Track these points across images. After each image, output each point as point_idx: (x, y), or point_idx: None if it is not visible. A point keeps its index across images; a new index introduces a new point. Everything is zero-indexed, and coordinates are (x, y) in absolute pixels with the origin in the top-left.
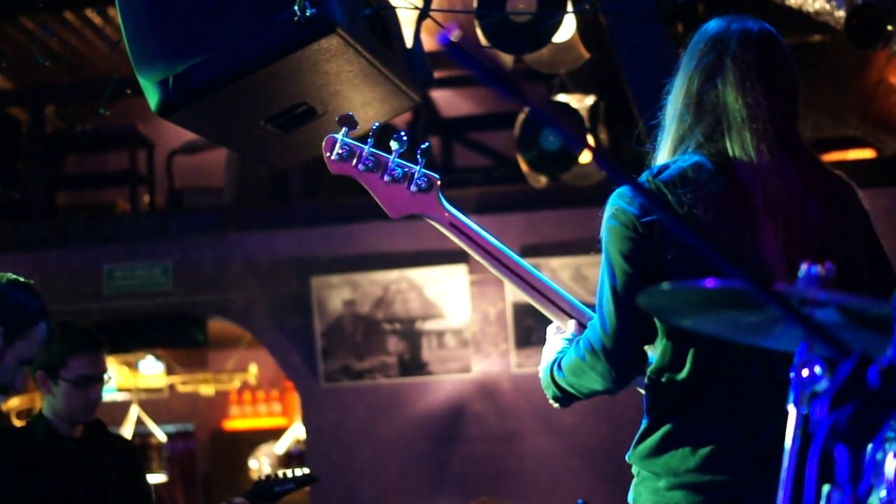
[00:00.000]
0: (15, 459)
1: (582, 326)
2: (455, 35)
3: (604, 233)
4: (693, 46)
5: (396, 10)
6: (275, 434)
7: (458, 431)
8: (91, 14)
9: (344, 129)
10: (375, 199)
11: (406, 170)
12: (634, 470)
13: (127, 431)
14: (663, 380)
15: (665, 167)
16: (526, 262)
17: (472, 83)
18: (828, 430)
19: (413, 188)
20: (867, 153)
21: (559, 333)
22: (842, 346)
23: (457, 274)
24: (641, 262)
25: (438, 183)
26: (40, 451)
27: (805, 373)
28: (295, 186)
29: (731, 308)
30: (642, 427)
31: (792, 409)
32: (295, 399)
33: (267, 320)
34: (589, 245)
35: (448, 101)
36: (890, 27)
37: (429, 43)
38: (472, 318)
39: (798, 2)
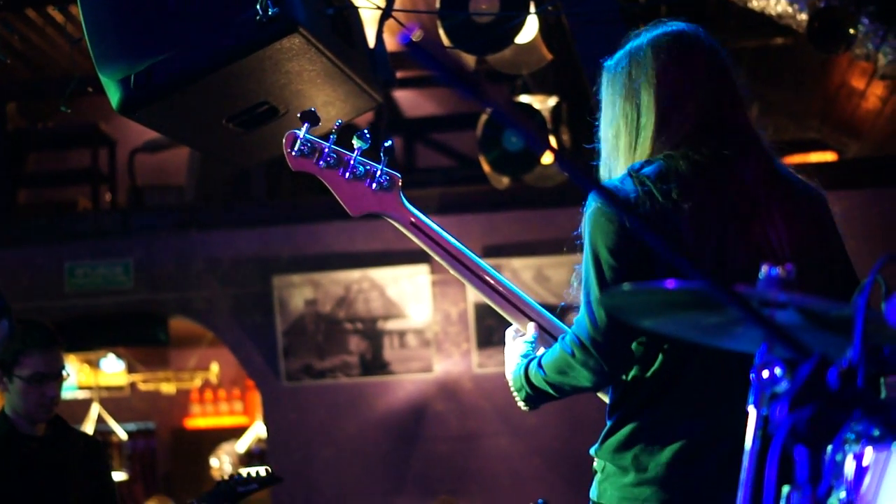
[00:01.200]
0: None
1: (542, 329)
2: (416, 35)
3: (588, 228)
4: (617, 61)
5: (359, 9)
6: (236, 433)
7: (419, 431)
8: (53, 11)
9: (306, 125)
10: (336, 196)
11: (368, 168)
12: (598, 465)
13: (88, 429)
14: (634, 375)
15: (647, 163)
16: (486, 264)
17: (435, 84)
18: (787, 432)
19: (374, 186)
20: (828, 156)
21: (519, 336)
22: (801, 348)
23: (419, 274)
24: (627, 256)
25: (400, 182)
26: (1, 449)
27: (765, 374)
28: (257, 185)
29: (692, 309)
30: (611, 422)
31: (752, 410)
32: (256, 397)
33: (228, 319)
34: (551, 246)
35: (410, 101)
36: (852, 31)
37: (391, 43)
38: (433, 317)
39: (760, 4)
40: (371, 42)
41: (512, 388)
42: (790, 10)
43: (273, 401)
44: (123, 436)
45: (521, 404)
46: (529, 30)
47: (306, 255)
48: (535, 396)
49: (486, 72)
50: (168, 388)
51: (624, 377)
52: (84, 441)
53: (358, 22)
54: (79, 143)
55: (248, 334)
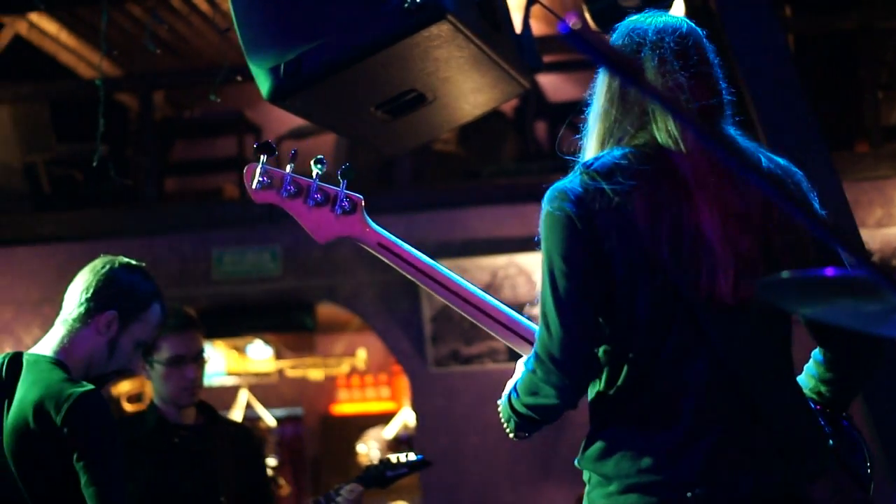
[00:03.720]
0: (128, 449)
1: (522, 338)
2: (574, 23)
3: (541, 233)
4: (611, 42)
5: None
6: (383, 418)
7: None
8: (198, 1)
9: (263, 156)
10: (301, 224)
11: (328, 192)
12: (585, 476)
13: (236, 416)
14: (603, 384)
15: (597, 158)
16: (461, 279)
17: (579, 68)
18: None
19: (337, 211)
20: None
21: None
22: None
23: None
24: (581, 262)
25: (362, 203)
26: (152, 439)
27: None
28: (402, 172)
29: (853, 296)
30: (589, 432)
31: None
32: (403, 383)
33: (376, 305)
34: None
35: (555, 85)
36: None
37: (537, 28)
38: None
39: None
40: (518, 27)
41: (503, 419)
42: None
43: (421, 387)
44: (272, 422)
45: (512, 435)
46: (676, 12)
47: (452, 241)
48: (522, 423)
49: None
50: (315, 374)
51: (598, 386)
52: (234, 429)
53: (504, 7)
54: (225, 130)
55: (395, 320)
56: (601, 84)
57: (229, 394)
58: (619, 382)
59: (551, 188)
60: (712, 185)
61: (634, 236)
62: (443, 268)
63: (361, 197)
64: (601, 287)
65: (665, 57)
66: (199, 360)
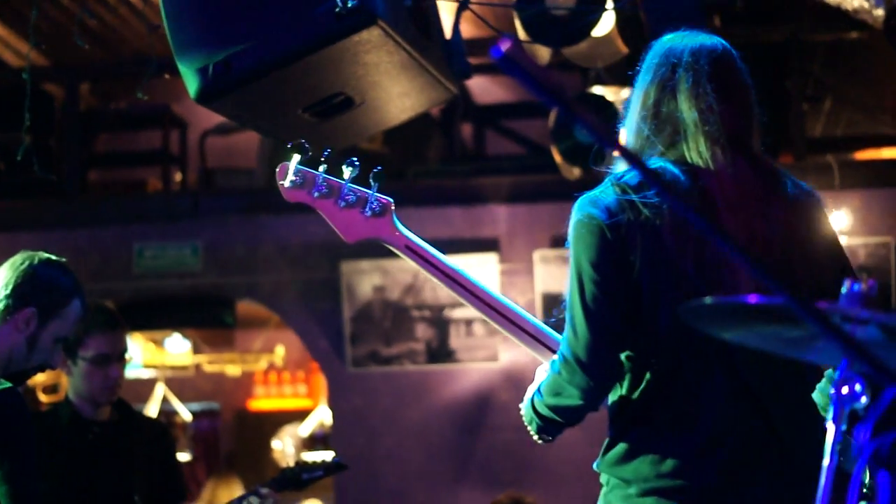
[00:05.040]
0: (41, 445)
1: (545, 346)
2: (507, 48)
3: (571, 239)
4: (648, 61)
5: (436, 0)
6: (299, 415)
7: (484, 420)
8: None
9: (296, 156)
10: (331, 224)
11: (360, 195)
12: (603, 479)
13: (152, 409)
14: (625, 388)
15: (628, 171)
16: (486, 285)
17: None
18: (870, 456)
19: (367, 213)
20: None
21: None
22: (888, 373)
23: (487, 262)
24: (610, 269)
25: (392, 206)
26: (65, 435)
27: (845, 390)
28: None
29: (774, 323)
30: (610, 436)
31: (830, 427)
32: (320, 381)
33: (296, 304)
34: None
35: (482, 87)
36: None
37: (468, 30)
38: None
39: None
40: (448, 33)
41: (525, 422)
42: (866, 5)
43: (338, 386)
44: (187, 416)
45: (535, 438)
46: (606, 23)
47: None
48: (545, 426)
49: (560, 63)
50: (233, 369)
51: (619, 392)
52: (149, 425)
53: (435, 13)
54: (150, 124)
55: (315, 319)
56: (636, 100)
57: (146, 386)
58: (641, 389)
59: (582, 197)
60: (738, 207)
61: (661, 249)
62: (468, 273)
63: (391, 200)
64: (627, 295)
65: (699, 79)
66: (122, 359)
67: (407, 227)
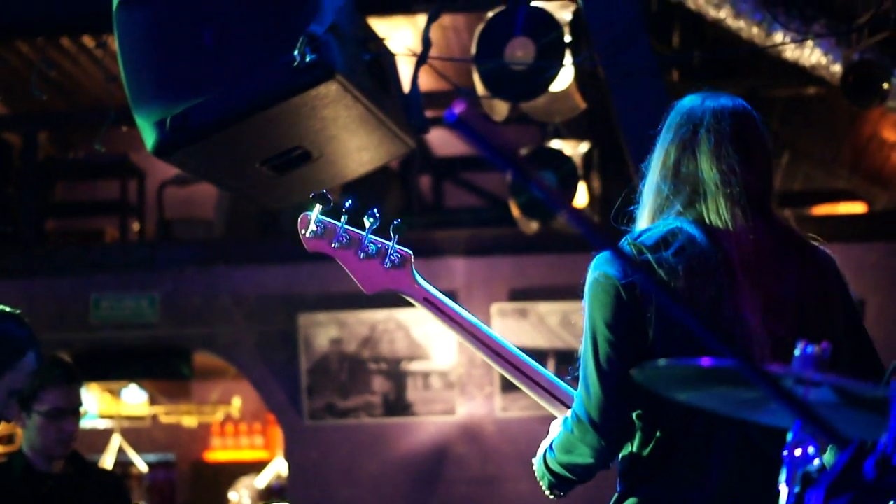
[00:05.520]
0: None
1: (557, 400)
2: (461, 110)
3: (586, 298)
4: (669, 121)
5: (395, 55)
6: (256, 467)
7: (440, 473)
8: (87, 40)
9: (318, 206)
10: (350, 275)
11: (380, 246)
12: None
13: (108, 460)
14: (636, 445)
15: (646, 230)
16: (503, 339)
17: None
18: None
19: (387, 264)
20: (858, 207)
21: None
22: (837, 437)
23: None
24: (624, 329)
25: (412, 259)
26: (19, 487)
27: (798, 452)
28: (285, 221)
29: (727, 384)
30: (617, 492)
31: (784, 488)
32: (277, 432)
33: (253, 355)
34: (578, 291)
35: (441, 139)
36: (885, 85)
37: (427, 83)
38: (458, 360)
39: (795, 55)
40: (406, 87)
41: (538, 477)
42: (824, 61)
43: (295, 439)
44: (143, 467)
45: (547, 493)
46: (564, 78)
47: (332, 294)
48: (557, 483)
49: (518, 117)
50: (189, 420)
51: (630, 449)
52: (103, 477)
53: (393, 67)
54: (108, 173)
55: (272, 371)
56: (657, 159)
57: (101, 437)
58: (651, 446)
59: (599, 255)
60: (755, 269)
61: (674, 310)
62: (485, 326)
63: (411, 252)
64: (640, 356)
65: (721, 140)
66: (77, 413)
67: (426, 281)
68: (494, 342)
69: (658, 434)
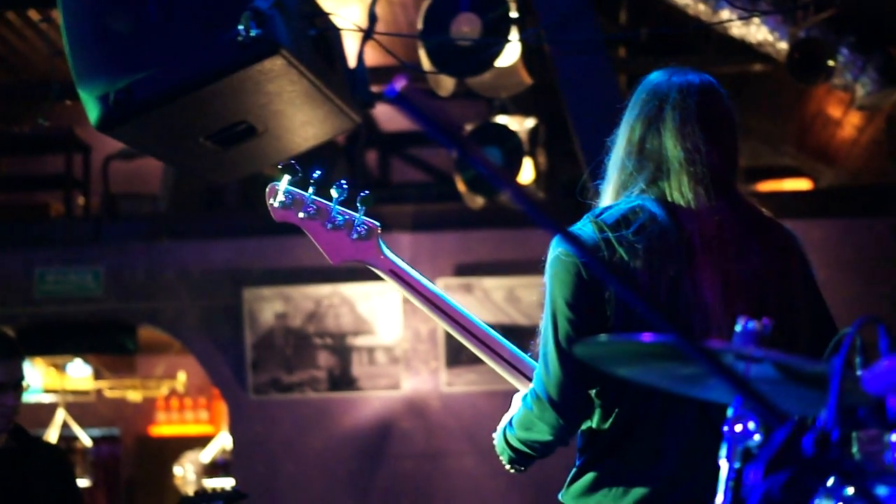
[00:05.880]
0: None
1: (524, 376)
2: (402, 86)
3: (547, 275)
4: (635, 97)
5: (340, 30)
6: (201, 441)
7: (385, 448)
8: (33, 14)
9: (286, 177)
10: (317, 245)
11: (347, 217)
12: None
13: (52, 434)
14: (595, 420)
15: (607, 208)
16: (470, 313)
17: None
18: (761, 497)
19: (353, 235)
20: (803, 184)
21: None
22: (775, 412)
23: (389, 291)
24: (584, 307)
25: (379, 230)
26: None
27: (738, 428)
28: (230, 196)
29: (667, 360)
30: (576, 467)
31: (724, 464)
32: (222, 407)
33: (198, 330)
34: (523, 266)
35: (387, 115)
36: (831, 62)
37: (373, 58)
38: (403, 335)
39: (741, 32)
40: (351, 62)
41: (497, 452)
42: (770, 38)
43: (239, 413)
44: (88, 442)
45: (508, 467)
46: (510, 54)
47: (278, 269)
48: (517, 458)
49: (465, 93)
50: (134, 395)
51: (589, 424)
52: (47, 451)
53: (339, 43)
54: (53, 147)
55: (216, 346)
56: (622, 134)
57: (46, 411)
58: (611, 422)
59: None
60: (716, 248)
61: (635, 289)
62: (449, 298)
63: (378, 224)
64: (600, 332)
65: (687, 118)
66: (19, 387)
67: (393, 252)
68: (459, 314)
69: (617, 410)
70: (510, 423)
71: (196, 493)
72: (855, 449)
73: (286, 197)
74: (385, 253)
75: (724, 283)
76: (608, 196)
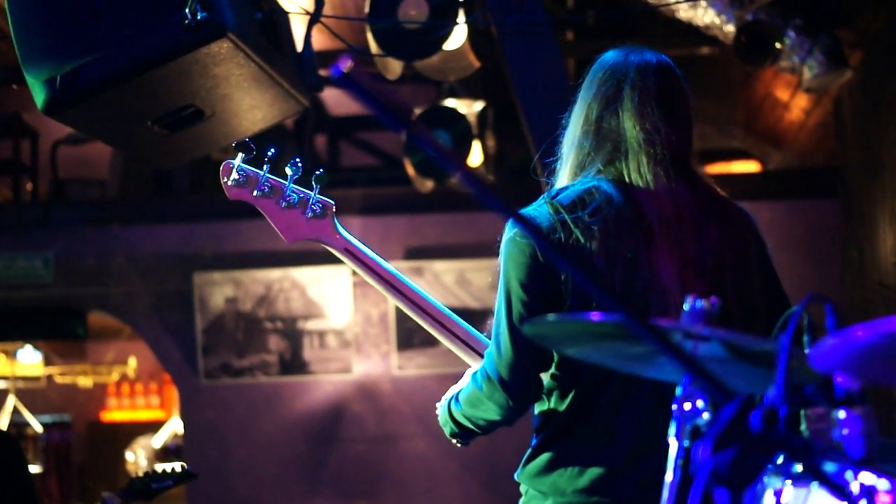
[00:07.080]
0: None
1: (478, 354)
2: (347, 67)
3: (502, 256)
4: (591, 75)
5: (288, 14)
6: (152, 427)
7: (337, 432)
8: None
9: (241, 154)
10: (271, 223)
11: (301, 196)
12: (522, 489)
13: (2, 420)
14: (552, 401)
15: (563, 189)
16: (424, 291)
17: None
18: (709, 473)
19: (308, 214)
20: (751, 166)
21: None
22: (724, 390)
23: (340, 274)
24: (538, 289)
25: (333, 209)
26: None
27: (687, 406)
28: (180, 181)
29: (616, 339)
30: (531, 446)
31: (673, 442)
32: (173, 392)
33: (148, 315)
34: (473, 250)
35: (336, 99)
36: (778, 45)
37: (321, 42)
38: (354, 318)
39: (688, 14)
40: (299, 46)
41: (440, 423)
42: (717, 21)
43: (191, 398)
44: (39, 428)
45: (451, 439)
46: (458, 37)
47: (228, 253)
48: (460, 433)
49: (413, 75)
50: (85, 381)
51: (546, 405)
52: None
53: (286, 26)
54: (1, 133)
55: (167, 331)
56: (578, 113)
57: None
58: (566, 404)
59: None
60: (674, 229)
61: (590, 271)
62: (404, 277)
63: (333, 202)
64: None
65: (646, 99)
66: None
67: (347, 231)
68: (414, 293)
69: (574, 391)
70: (456, 397)
71: (146, 473)
72: (803, 426)
73: (240, 175)
74: (340, 231)
75: (681, 264)
76: (565, 175)
